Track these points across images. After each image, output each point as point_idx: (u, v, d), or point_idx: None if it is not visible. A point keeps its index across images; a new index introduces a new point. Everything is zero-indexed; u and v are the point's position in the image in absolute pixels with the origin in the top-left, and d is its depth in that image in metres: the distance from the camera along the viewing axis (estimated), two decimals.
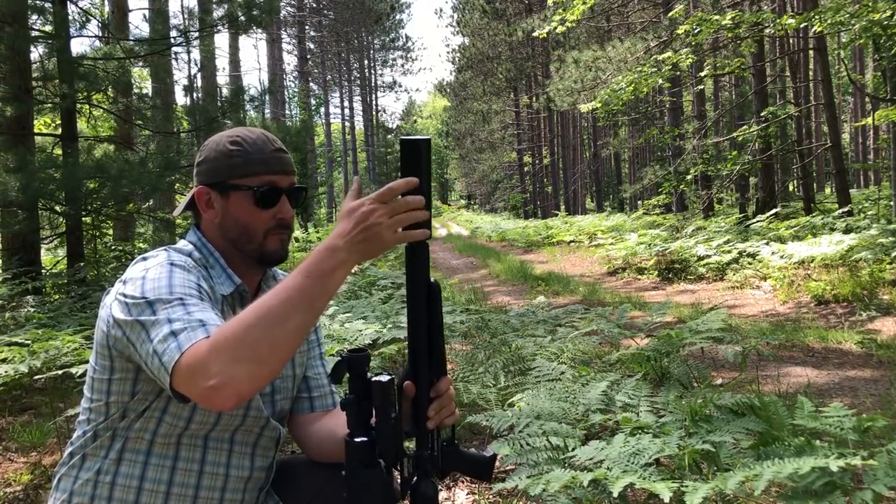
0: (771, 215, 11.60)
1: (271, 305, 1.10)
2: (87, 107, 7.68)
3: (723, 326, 3.66)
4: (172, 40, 7.80)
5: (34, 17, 6.92)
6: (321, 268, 1.11)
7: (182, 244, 1.42)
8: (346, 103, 50.60)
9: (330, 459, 1.49)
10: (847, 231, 9.13)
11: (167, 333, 1.14)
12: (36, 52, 7.12)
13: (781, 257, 8.41)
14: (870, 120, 14.60)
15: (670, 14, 13.03)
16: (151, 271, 1.25)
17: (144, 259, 1.32)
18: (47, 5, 6.82)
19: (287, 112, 35.47)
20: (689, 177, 14.45)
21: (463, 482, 2.79)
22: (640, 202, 22.18)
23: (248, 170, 1.37)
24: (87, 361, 1.44)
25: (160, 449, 1.32)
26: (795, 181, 16.43)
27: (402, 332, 3.60)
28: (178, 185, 7.26)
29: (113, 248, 7.90)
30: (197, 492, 1.35)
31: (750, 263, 8.98)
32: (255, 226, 1.38)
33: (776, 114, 12.73)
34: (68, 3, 6.91)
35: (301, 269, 1.13)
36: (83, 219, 7.02)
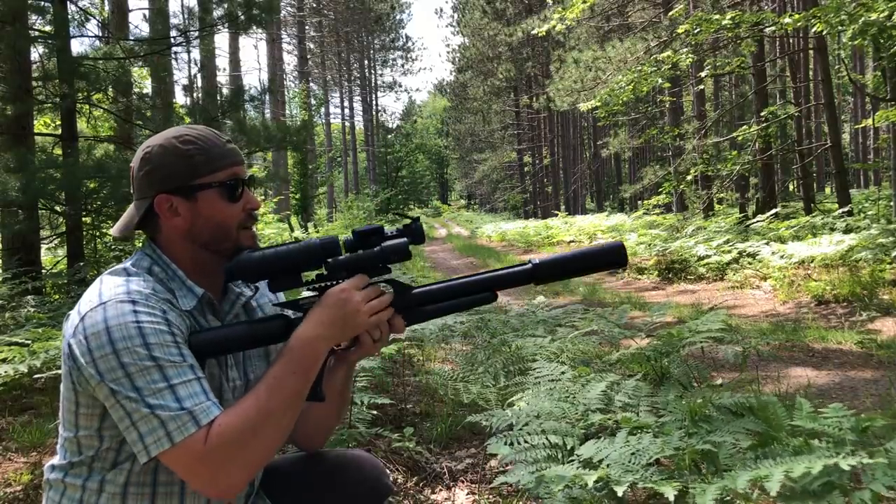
0: (771, 215, 11.60)
1: (270, 409, 1.20)
2: (87, 107, 7.67)
3: (723, 326, 3.65)
4: (172, 40, 7.79)
5: (34, 17, 6.92)
6: (308, 361, 1.25)
7: (137, 258, 1.34)
8: (346, 103, 50.62)
9: (313, 440, 1.55)
10: (847, 231, 9.13)
11: (147, 415, 1.15)
12: (36, 52, 7.11)
13: (781, 257, 8.41)
14: (870, 121, 14.59)
15: (670, 14, 13.03)
16: (113, 319, 1.18)
17: (101, 297, 1.22)
18: (47, 5, 6.82)
19: (287, 112, 35.44)
20: (689, 177, 14.45)
21: (463, 482, 2.79)
22: (640, 202, 22.16)
23: (213, 165, 1.32)
24: None
25: (138, 478, 1.28)
26: (795, 181, 16.44)
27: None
28: None
29: (113, 248, 7.90)
30: None
31: (750, 263, 8.98)
32: (228, 221, 1.34)
33: (776, 114, 12.73)
34: (68, 2, 6.90)
35: (286, 366, 1.24)
36: (83, 219, 7.01)
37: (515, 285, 1.36)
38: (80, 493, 1.28)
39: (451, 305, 1.35)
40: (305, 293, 1.36)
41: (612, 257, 1.34)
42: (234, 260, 1.30)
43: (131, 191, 1.37)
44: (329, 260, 1.31)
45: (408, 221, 1.31)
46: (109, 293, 1.23)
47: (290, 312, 1.38)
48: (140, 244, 1.43)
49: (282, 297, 1.54)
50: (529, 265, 1.34)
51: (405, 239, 1.29)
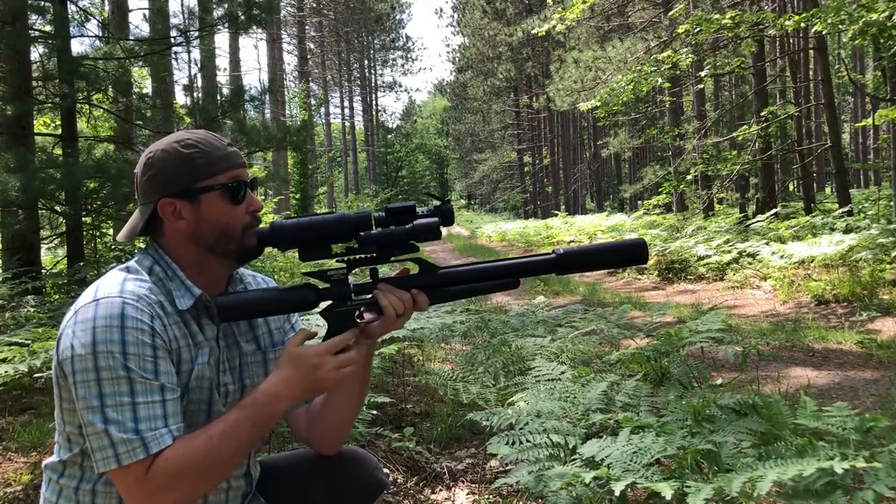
0: (771, 215, 11.60)
1: (220, 452, 1.22)
2: (87, 107, 7.65)
3: (723, 326, 3.65)
4: (172, 40, 7.78)
5: (34, 17, 6.90)
6: (269, 417, 1.27)
7: (140, 258, 1.36)
8: (346, 103, 50.60)
9: (332, 438, 1.51)
10: (847, 231, 9.13)
11: (100, 432, 1.17)
12: (36, 52, 7.10)
13: (781, 257, 8.41)
14: (870, 120, 14.59)
15: (670, 14, 13.03)
16: (101, 319, 1.20)
17: (96, 294, 1.25)
18: (47, 5, 6.81)
19: (287, 112, 35.43)
20: (689, 177, 14.45)
21: (463, 482, 2.78)
22: (640, 202, 22.17)
23: (214, 168, 1.32)
24: None
25: None
26: (795, 181, 16.44)
27: (402, 332, 3.60)
28: None
29: (113, 248, 7.89)
30: None
31: (750, 263, 8.98)
32: (233, 223, 1.35)
33: (776, 114, 12.72)
34: (68, 2, 6.89)
35: (248, 418, 1.25)
36: (83, 219, 7.00)
37: (539, 274, 1.39)
38: (74, 493, 1.29)
39: (475, 288, 1.37)
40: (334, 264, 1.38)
41: (634, 253, 1.38)
42: (269, 225, 1.33)
43: (135, 196, 1.38)
44: (361, 234, 1.32)
45: (439, 203, 1.34)
46: (105, 290, 1.25)
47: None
48: (142, 244, 1.43)
49: None
50: (553, 255, 1.36)
51: (436, 219, 1.31)
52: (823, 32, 8.81)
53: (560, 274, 1.37)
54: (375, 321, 1.37)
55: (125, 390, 1.18)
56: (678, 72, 13.98)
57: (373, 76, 51.65)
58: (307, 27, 35.76)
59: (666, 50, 12.08)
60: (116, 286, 1.26)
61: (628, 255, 1.39)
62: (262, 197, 16.40)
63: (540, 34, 13.78)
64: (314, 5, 37.97)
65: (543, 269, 1.37)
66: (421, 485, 2.76)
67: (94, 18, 8.35)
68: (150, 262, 1.35)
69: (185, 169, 1.31)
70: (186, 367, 1.31)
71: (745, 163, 12.73)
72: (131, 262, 1.35)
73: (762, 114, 12.26)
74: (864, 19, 7.33)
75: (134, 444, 1.17)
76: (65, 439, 1.30)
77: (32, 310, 5.34)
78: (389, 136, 51.31)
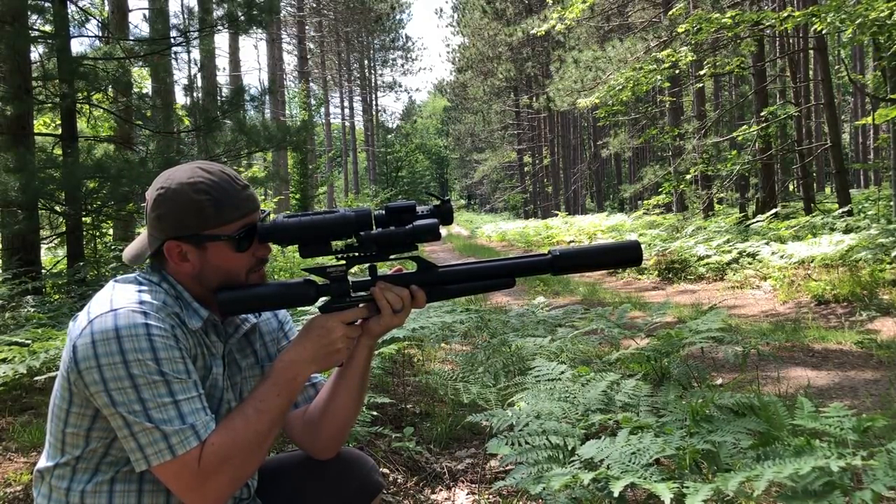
0: (771, 215, 11.60)
1: (258, 430, 1.28)
2: (87, 107, 7.66)
3: (723, 326, 3.65)
4: (172, 40, 7.78)
5: (34, 16, 6.90)
6: (288, 382, 1.32)
7: (147, 271, 1.36)
8: (346, 103, 50.59)
9: (331, 442, 1.51)
10: (847, 231, 9.13)
11: (150, 428, 1.19)
12: (36, 52, 7.10)
13: (781, 257, 8.41)
14: (870, 120, 14.59)
15: (670, 14, 13.03)
16: (125, 329, 1.20)
17: (113, 304, 1.24)
18: (47, 5, 6.81)
19: (287, 112, 35.44)
20: (689, 177, 14.45)
21: (463, 482, 2.78)
22: (640, 202, 22.18)
23: (223, 218, 1.31)
24: None
25: (125, 475, 1.29)
26: (795, 181, 16.44)
27: (402, 332, 3.60)
28: None
29: (113, 248, 7.89)
30: None
31: (750, 263, 8.97)
32: (237, 270, 1.36)
33: (776, 114, 12.72)
34: (68, 2, 6.90)
35: (271, 387, 1.31)
36: (83, 219, 7.00)
37: (534, 274, 1.41)
38: (65, 495, 1.29)
39: (472, 287, 1.40)
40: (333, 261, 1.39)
41: (628, 254, 1.40)
42: (271, 223, 1.34)
43: (145, 220, 1.38)
44: (361, 233, 1.34)
45: (438, 202, 1.35)
46: (121, 301, 1.25)
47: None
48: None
49: (284, 317, 1.56)
50: (549, 255, 1.39)
51: (436, 220, 1.33)
52: (823, 32, 8.81)
53: (555, 274, 1.39)
54: (373, 317, 1.39)
55: (164, 392, 1.20)
56: (678, 71, 13.99)
57: (373, 76, 51.63)
58: (307, 27, 35.72)
59: (666, 49, 12.08)
60: (134, 297, 1.26)
61: (622, 255, 1.41)
62: (262, 197, 16.41)
63: (540, 34, 13.80)
64: (314, 5, 37.94)
65: (539, 269, 1.39)
66: (421, 485, 2.76)
67: (94, 18, 8.35)
68: (159, 278, 1.35)
69: (194, 216, 1.30)
70: (202, 374, 1.34)
71: (745, 163, 12.74)
72: (138, 276, 1.35)
73: (762, 114, 12.26)
74: (862, 18, 7.33)
75: (186, 434, 1.20)
76: (59, 442, 1.30)
77: (32, 310, 5.34)
78: (389, 136, 51.30)
